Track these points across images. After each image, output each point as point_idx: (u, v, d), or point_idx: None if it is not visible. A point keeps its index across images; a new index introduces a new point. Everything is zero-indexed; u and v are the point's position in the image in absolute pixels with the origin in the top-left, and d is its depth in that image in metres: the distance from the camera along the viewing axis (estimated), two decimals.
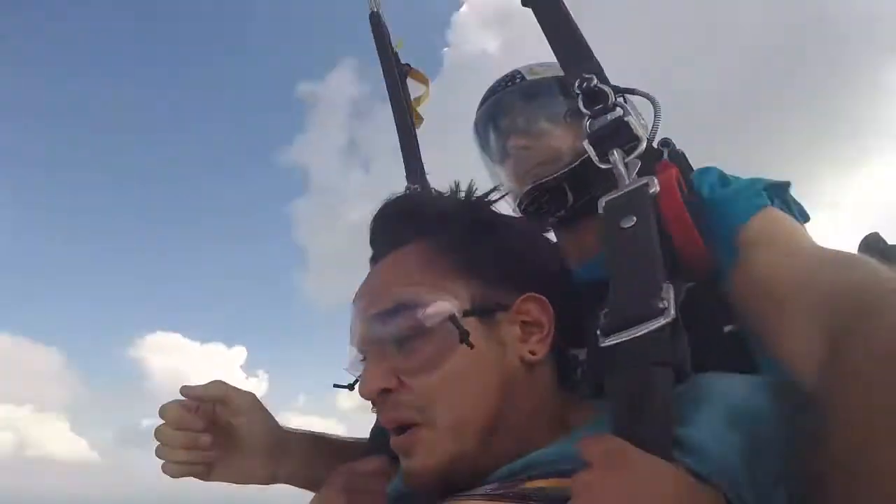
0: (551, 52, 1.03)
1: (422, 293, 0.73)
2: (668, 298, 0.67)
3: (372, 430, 1.05)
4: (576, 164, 1.05)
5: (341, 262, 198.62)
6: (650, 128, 0.91)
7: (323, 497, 0.82)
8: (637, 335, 0.66)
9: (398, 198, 0.87)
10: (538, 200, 1.10)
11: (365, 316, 0.77)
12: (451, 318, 0.72)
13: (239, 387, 0.97)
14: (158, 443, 0.92)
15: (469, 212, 0.83)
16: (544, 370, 0.77)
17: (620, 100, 0.90)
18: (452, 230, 0.79)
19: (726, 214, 0.84)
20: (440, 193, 0.89)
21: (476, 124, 1.23)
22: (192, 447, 0.91)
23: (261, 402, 1.00)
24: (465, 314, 0.72)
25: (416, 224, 0.81)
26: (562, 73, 1.07)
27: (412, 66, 1.55)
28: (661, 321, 0.65)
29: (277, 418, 1.02)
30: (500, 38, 50.26)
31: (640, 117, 1.00)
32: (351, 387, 0.84)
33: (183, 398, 0.92)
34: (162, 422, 0.91)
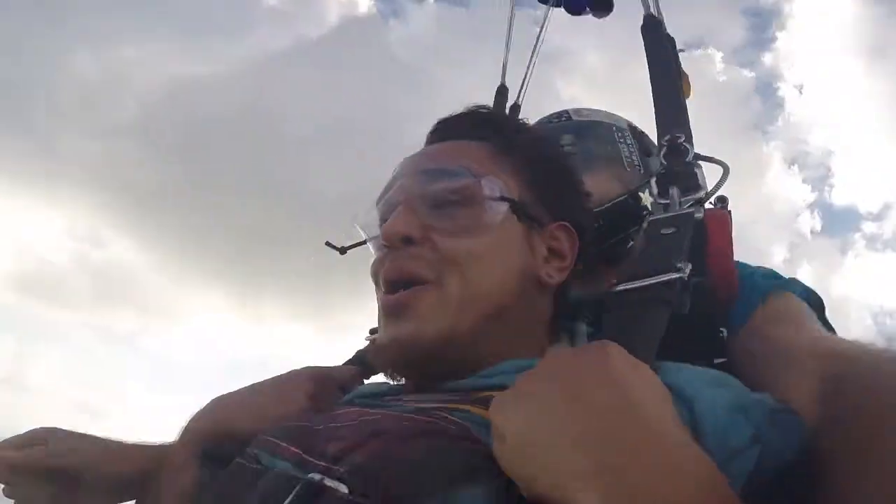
0: (654, 109, 1.26)
1: (483, 170, 0.75)
2: (685, 268, 0.77)
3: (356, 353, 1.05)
4: (600, 209, 1.09)
5: None
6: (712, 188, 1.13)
7: (289, 376, 0.86)
8: (650, 283, 0.75)
9: (489, 107, 0.90)
10: None
11: (418, 168, 0.77)
12: (505, 197, 0.74)
13: (51, 432, 0.86)
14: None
15: (543, 142, 0.90)
16: (549, 299, 0.79)
17: (697, 162, 1.13)
18: (523, 146, 0.83)
19: (755, 285, 0.94)
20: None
21: None
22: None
23: (75, 437, 0.88)
24: (517, 207, 0.75)
25: (496, 130, 0.83)
26: (606, 120, 1.24)
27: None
28: (674, 275, 0.75)
29: None
30: None
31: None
32: (343, 250, 0.84)
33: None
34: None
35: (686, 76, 1.74)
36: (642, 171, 1.19)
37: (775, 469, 0.54)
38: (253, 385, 0.85)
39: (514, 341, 0.72)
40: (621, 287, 0.77)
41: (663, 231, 0.92)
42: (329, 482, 0.52)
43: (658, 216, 0.99)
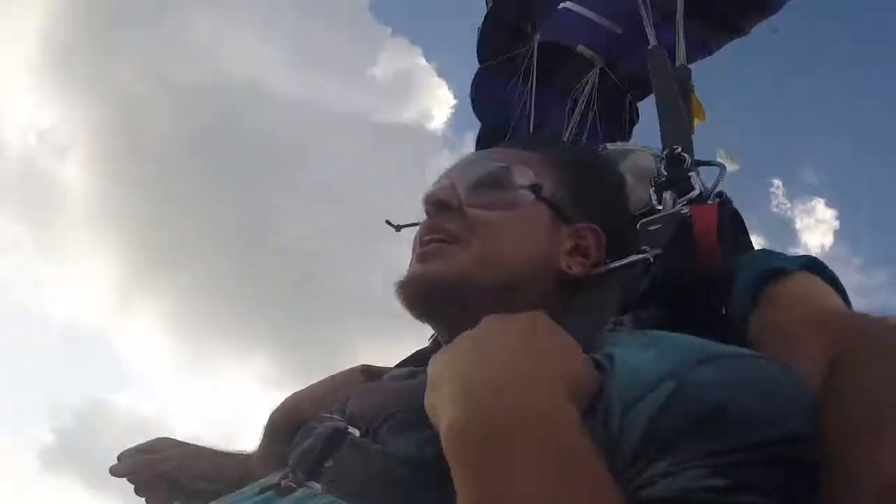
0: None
1: (523, 164, 0.85)
2: (651, 251, 0.86)
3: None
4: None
5: None
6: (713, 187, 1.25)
7: (345, 371, 1.04)
8: (613, 266, 0.82)
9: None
10: None
11: (466, 158, 0.91)
12: (534, 185, 0.82)
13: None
14: None
15: (584, 152, 1.02)
16: (568, 296, 0.81)
17: (694, 167, 1.27)
18: (564, 153, 0.92)
19: (766, 266, 0.92)
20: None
21: None
22: None
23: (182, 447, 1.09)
24: (543, 196, 0.82)
25: (542, 143, 0.95)
26: (639, 149, 1.41)
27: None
28: (636, 257, 0.84)
29: None
30: None
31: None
32: (398, 228, 0.96)
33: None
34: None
35: (698, 102, 1.98)
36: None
37: (705, 405, 0.53)
38: (321, 380, 1.06)
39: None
40: (595, 271, 0.83)
41: (650, 228, 1.03)
42: (351, 429, 0.72)
43: (648, 219, 1.10)
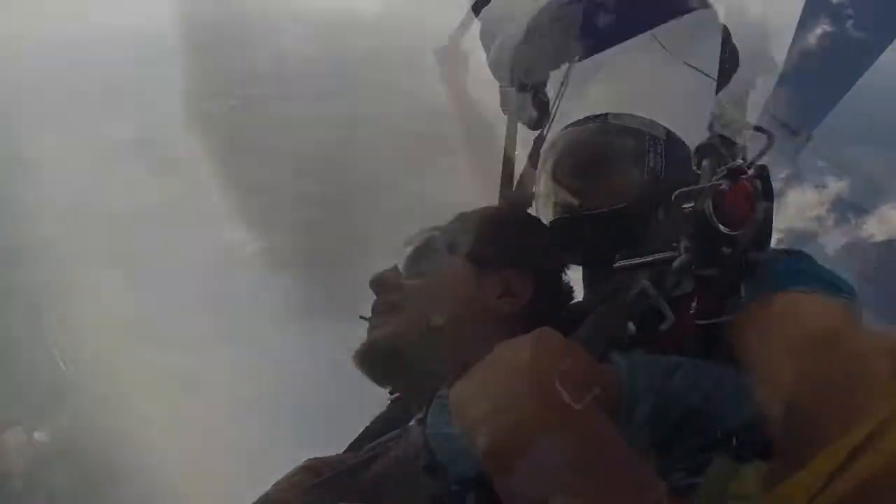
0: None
1: (444, 233, 1.04)
2: (684, 248, 0.83)
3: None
4: (600, 212, 1.14)
5: None
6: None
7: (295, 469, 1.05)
8: (643, 261, 0.84)
9: None
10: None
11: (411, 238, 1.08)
12: (451, 246, 1.01)
13: None
14: None
15: (507, 212, 1.16)
16: (513, 327, 0.89)
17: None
18: (486, 217, 1.08)
19: (776, 273, 0.93)
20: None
21: None
22: None
23: None
24: (462, 254, 1.00)
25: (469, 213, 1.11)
26: (641, 127, 1.20)
27: None
28: (667, 254, 0.83)
29: None
30: None
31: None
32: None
33: None
34: None
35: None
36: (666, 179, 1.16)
37: (677, 415, 0.70)
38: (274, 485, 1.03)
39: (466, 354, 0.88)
40: (619, 264, 0.87)
41: (684, 206, 0.91)
42: None
43: (682, 189, 0.95)
